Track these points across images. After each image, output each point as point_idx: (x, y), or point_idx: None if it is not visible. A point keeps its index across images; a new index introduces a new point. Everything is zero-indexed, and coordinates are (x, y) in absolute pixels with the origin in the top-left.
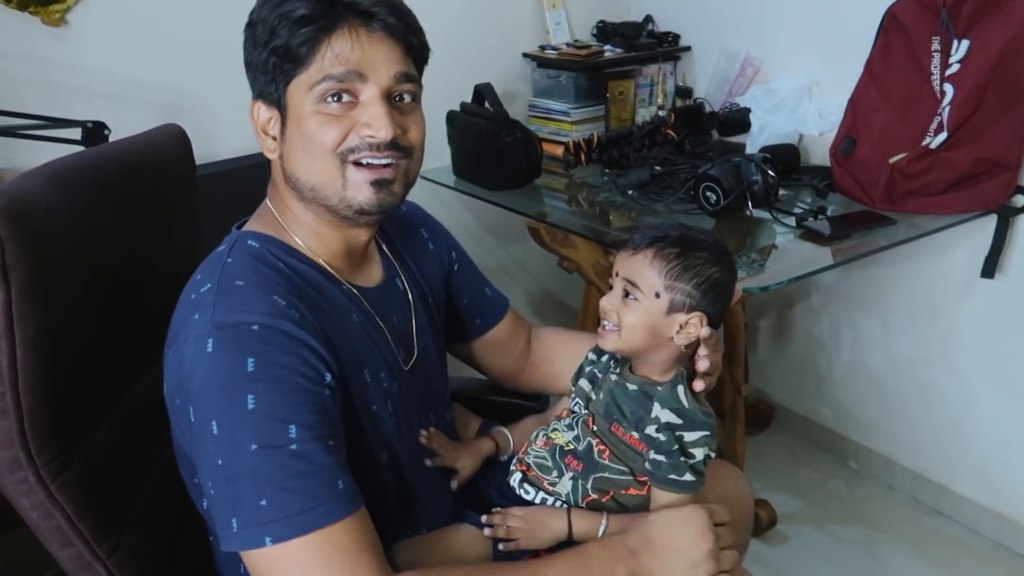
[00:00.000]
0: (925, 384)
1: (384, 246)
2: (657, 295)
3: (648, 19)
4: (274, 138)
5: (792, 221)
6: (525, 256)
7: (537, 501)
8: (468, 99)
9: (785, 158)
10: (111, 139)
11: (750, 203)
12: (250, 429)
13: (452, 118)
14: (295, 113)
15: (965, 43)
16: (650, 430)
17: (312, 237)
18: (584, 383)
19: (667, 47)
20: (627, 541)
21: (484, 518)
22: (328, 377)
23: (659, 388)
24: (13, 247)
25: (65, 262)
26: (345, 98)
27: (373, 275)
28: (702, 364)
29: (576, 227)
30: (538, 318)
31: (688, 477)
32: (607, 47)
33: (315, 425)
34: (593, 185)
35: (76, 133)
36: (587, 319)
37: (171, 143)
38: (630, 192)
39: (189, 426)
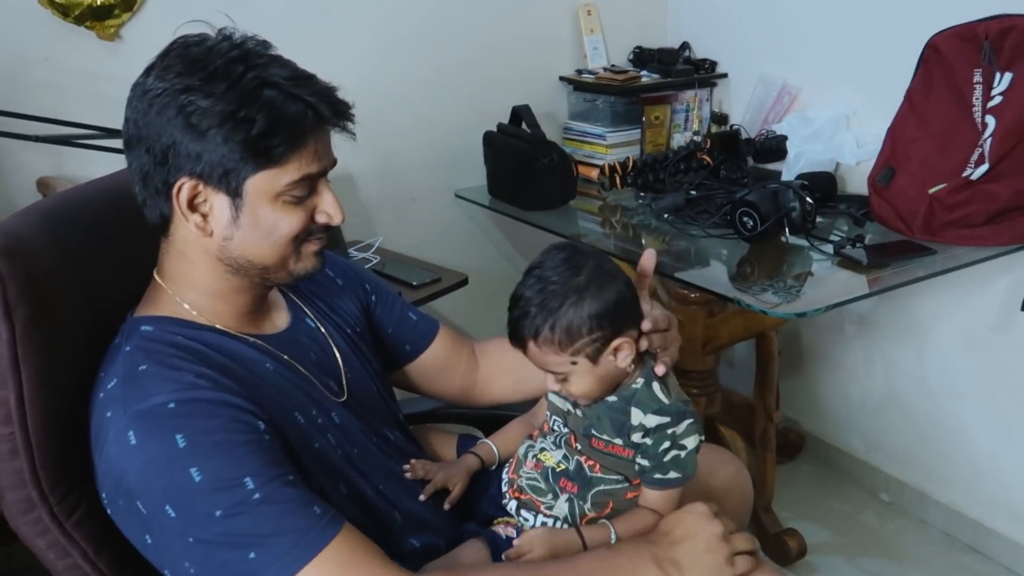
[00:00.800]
0: (961, 418)
1: (289, 291)
2: (574, 363)
3: (685, 45)
4: (203, 215)
5: (829, 248)
6: None
7: (537, 525)
8: (505, 120)
9: (822, 186)
10: None
11: (787, 230)
12: (207, 499)
13: (489, 139)
14: (255, 201)
15: (1008, 76)
16: (636, 436)
17: (209, 303)
18: (555, 398)
19: (704, 74)
20: (649, 537)
21: (501, 529)
22: (261, 425)
23: (635, 389)
24: (14, 285)
25: (62, 300)
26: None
27: (278, 321)
28: (659, 353)
29: (610, 249)
30: None
31: (672, 475)
32: (644, 72)
33: (267, 469)
34: (627, 208)
35: None
36: None
37: None
38: (665, 216)
39: (142, 520)
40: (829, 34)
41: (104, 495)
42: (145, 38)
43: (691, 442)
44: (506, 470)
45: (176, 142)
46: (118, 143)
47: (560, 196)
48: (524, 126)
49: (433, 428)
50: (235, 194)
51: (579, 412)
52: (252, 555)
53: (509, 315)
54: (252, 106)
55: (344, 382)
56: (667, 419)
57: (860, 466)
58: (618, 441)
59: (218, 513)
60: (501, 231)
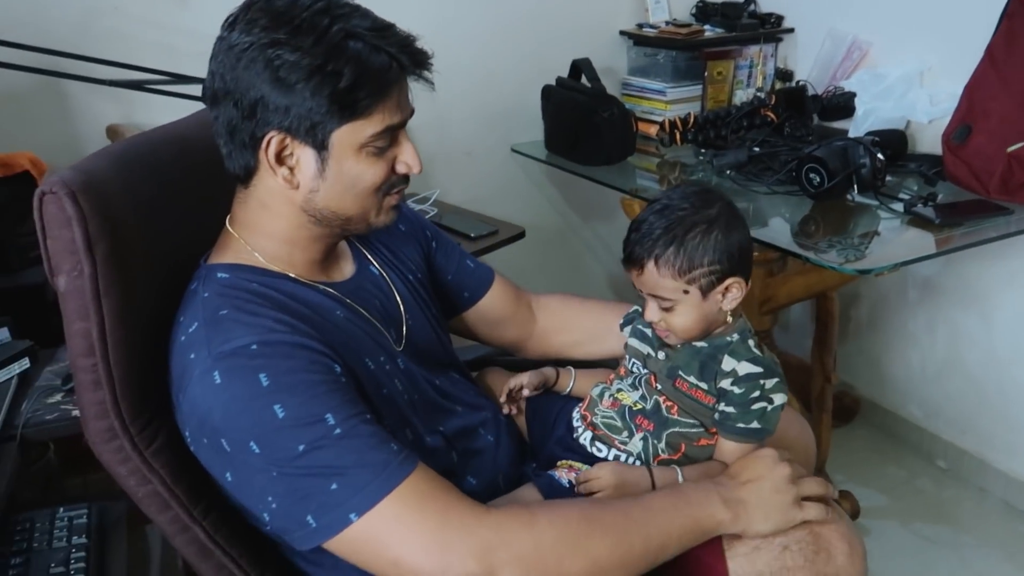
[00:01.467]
0: None
1: (354, 239)
2: (685, 292)
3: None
4: (291, 168)
5: (898, 207)
6: (610, 234)
7: (610, 458)
8: (564, 74)
9: (892, 144)
10: None
11: (855, 187)
12: (290, 435)
13: (548, 92)
14: (339, 153)
15: None
16: (724, 383)
17: (283, 251)
18: (635, 342)
19: (769, 28)
20: (716, 479)
21: (562, 472)
22: (337, 368)
23: (728, 341)
24: (95, 221)
25: (136, 239)
26: (389, 139)
27: (345, 270)
28: None
29: None
30: (619, 296)
31: (755, 425)
32: (707, 27)
33: (345, 406)
34: (687, 165)
35: (196, 90)
36: None
37: (213, 125)
38: (727, 172)
39: (226, 457)
40: None
41: (188, 434)
42: None
43: (778, 398)
44: (578, 408)
45: (264, 96)
46: (186, 89)
47: (618, 151)
48: (584, 80)
49: (502, 372)
50: (321, 147)
51: (661, 355)
52: (334, 486)
53: (628, 237)
54: (339, 59)
55: (404, 329)
56: (760, 370)
57: (917, 432)
58: (703, 386)
59: (301, 448)
60: (557, 187)
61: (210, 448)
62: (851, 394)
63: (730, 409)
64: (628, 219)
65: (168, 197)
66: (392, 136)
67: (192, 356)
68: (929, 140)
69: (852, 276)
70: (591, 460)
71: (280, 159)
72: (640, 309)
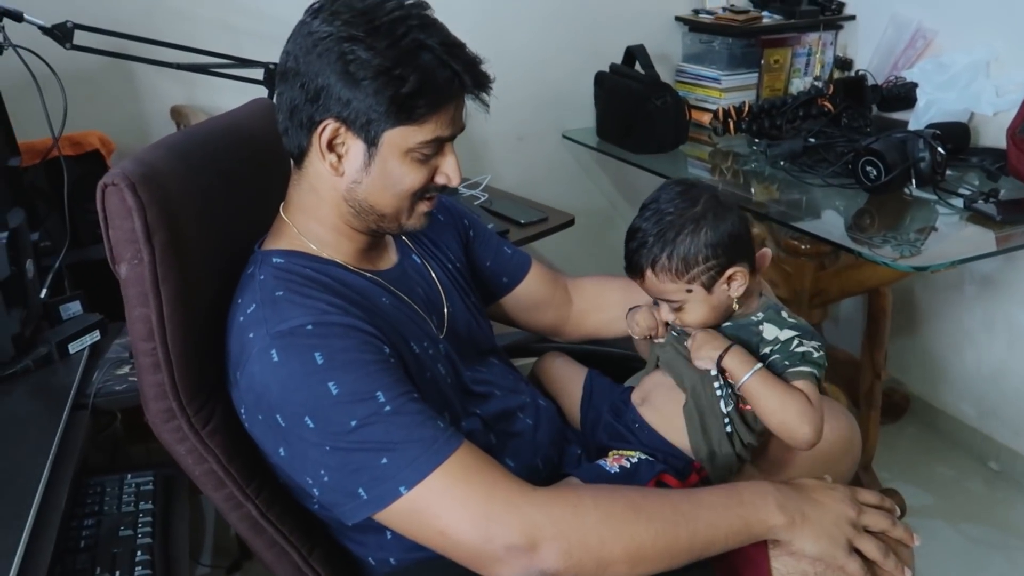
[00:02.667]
0: None
1: None
2: (689, 291)
3: None
4: (339, 156)
5: (958, 202)
6: None
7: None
8: (617, 61)
9: (954, 137)
10: None
11: (913, 181)
12: (344, 410)
13: (601, 79)
14: (387, 152)
15: None
16: (765, 349)
17: (332, 239)
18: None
19: (830, 15)
20: (776, 484)
21: (612, 461)
22: (387, 350)
23: (755, 320)
24: (153, 211)
25: (191, 227)
26: (435, 149)
27: (389, 258)
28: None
29: None
30: None
31: (804, 368)
32: (765, 13)
33: (396, 385)
34: (740, 155)
35: (258, 74)
36: None
37: (265, 114)
38: (781, 163)
39: (281, 433)
40: None
41: (243, 410)
42: None
43: (818, 349)
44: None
45: (330, 85)
46: (249, 73)
47: (671, 140)
48: (638, 67)
49: (564, 360)
50: (372, 143)
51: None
52: (384, 460)
53: (626, 248)
54: (407, 66)
55: (445, 316)
56: (799, 332)
57: (969, 432)
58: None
59: (353, 423)
60: (607, 174)
61: (265, 424)
62: (901, 391)
63: (774, 358)
64: None
65: (224, 186)
66: (439, 146)
67: (251, 335)
68: (993, 133)
69: (906, 272)
70: (639, 447)
71: (331, 146)
72: None
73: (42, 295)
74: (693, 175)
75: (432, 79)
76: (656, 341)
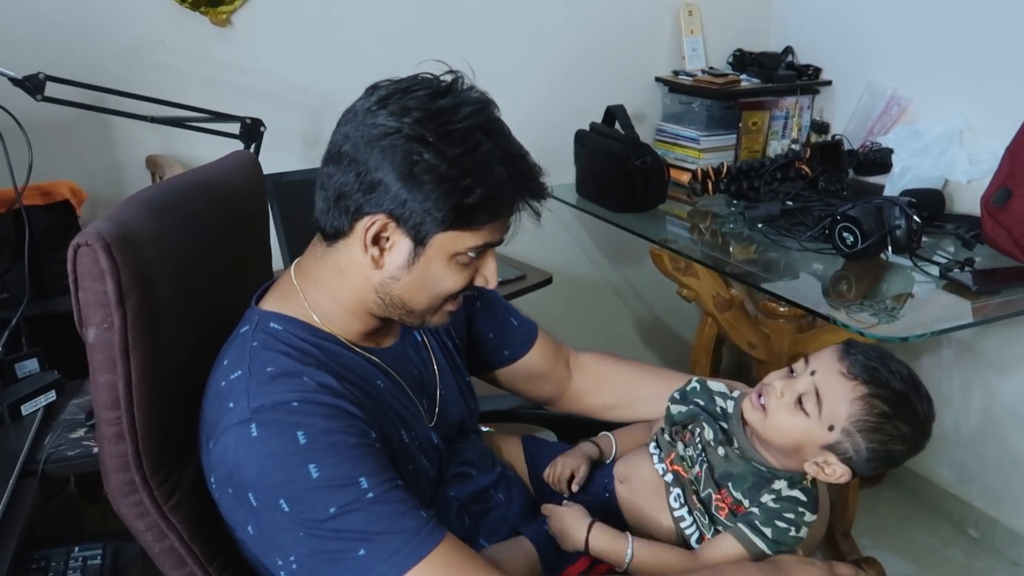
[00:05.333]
0: None
1: None
2: (831, 428)
3: (788, 50)
4: (382, 251)
5: (934, 270)
6: (640, 281)
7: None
8: (598, 119)
9: (929, 204)
10: (264, 137)
11: (890, 248)
12: (323, 496)
13: (581, 137)
14: (434, 254)
15: None
16: (766, 497)
17: (340, 316)
18: (708, 420)
19: (807, 80)
20: (756, 564)
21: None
22: (372, 434)
23: (792, 478)
24: (128, 273)
25: (166, 289)
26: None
27: (390, 336)
28: None
29: (696, 256)
30: (647, 346)
31: (767, 534)
32: (743, 76)
33: (379, 471)
34: (718, 215)
35: (235, 128)
36: (700, 351)
37: (244, 169)
38: (759, 225)
39: (251, 511)
40: (945, 43)
41: (212, 480)
42: (254, 25)
43: (803, 532)
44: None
45: (389, 182)
46: (226, 127)
47: (651, 200)
48: (617, 126)
49: (497, 433)
50: (420, 243)
51: (721, 451)
52: (362, 552)
53: (872, 357)
54: (477, 178)
55: (437, 400)
56: (805, 499)
57: (949, 498)
58: (746, 502)
59: (332, 510)
60: (587, 232)
61: (234, 499)
62: None
63: (755, 510)
64: (656, 269)
65: (200, 246)
66: (484, 250)
67: (231, 405)
68: (968, 201)
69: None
70: (591, 507)
71: (376, 239)
72: (698, 386)
73: None
74: (673, 234)
75: (497, 193)
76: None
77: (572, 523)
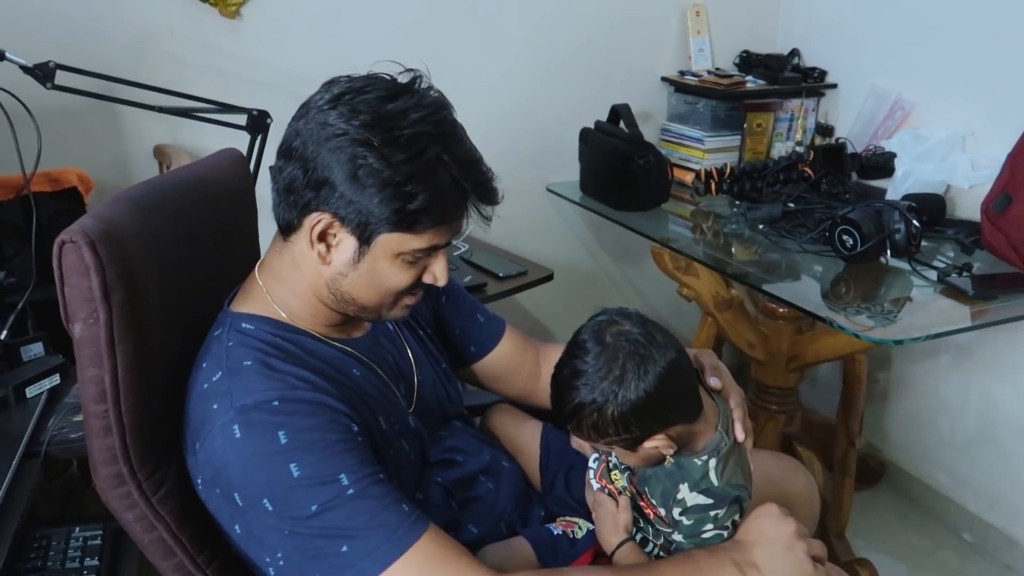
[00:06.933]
0: None
1: None
2: (608, 447)
3: (794, 52)
4: (328, 247)
5: (932, 275)
6: (640, 279)
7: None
8: (603, 118)
9: (930, 208)
10: (271, 129)
11: (889, 252)
12: (304, 494)
13: (585, 135)
14: (379, 253)
15: None
16: (675, 511)
17: (305, 310)
18: None
19: (812, 83)
20: (723, 544)
21: (560, 525)
22: (355, 427)
23: (694, 462)
24: (112, 269)
25: (151, 285)
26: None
27: (360, 327)
28: (737, 425)
29: (699, 256)
30: None
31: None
32: (749, 78)
33: (361, 466)
34: (720, 215)
35: (241, 119)
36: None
37: (232, 167)
38: (760, 226)
39: (238, 511)
40: (951, 48)
41: (199, 481)
42: (263, 17)
43: (730, 522)
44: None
45: (335, 181)
46: (232, 118)
47: (653, 198)
48: (622, 125)
49: (519, 414)
50: (365, 242)
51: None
52: (344, 548)
53: (551, 391)
54: (420, 183)
55: (415, 385)
56: (710, 501)
57: (944, 502)
58: (661, 511)
59: (314, 507)
60: (590, 229)
61: (222, 499)
62: (876, 457)
63: (679, 539)
64: (658, 267)
65: (185, 244)
66: (432, 250)
67: (215, 406)
68: (968, 206)
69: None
70: (587, 514)
71: (322, 236)
72: None
73: (2, 336)
74: (675, 233)
75: (441, 199)
76: None
77: (608, 530)
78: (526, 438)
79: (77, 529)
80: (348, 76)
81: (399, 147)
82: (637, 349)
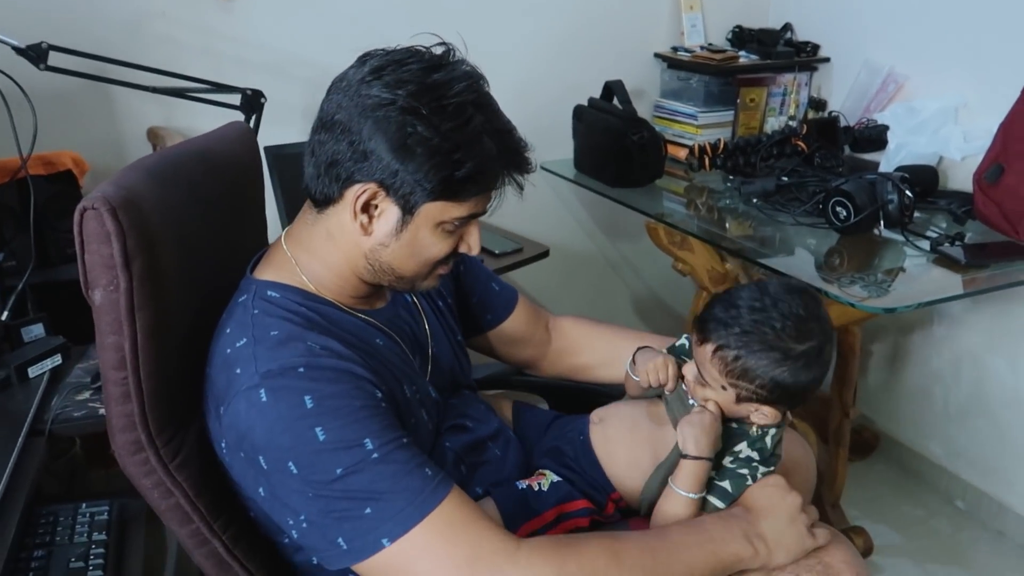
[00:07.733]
0: None
1: None
2: (723, 387)
3: (787, 27)
4: (371, 218)
5: (925, 245)
6: (636, 256)
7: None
8: (596, 94)
9: (923, 180)
10: (264, 109)
11: (882, 223)
12: (330, 457)
13: (579, 112)
14: (421, 222)
15: None
16: (727, 460)
17: (333, 281)
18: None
19: (805, 57)
20: (733, 512)
21: (531, 481)
22: (379, 394)
23: (752, 431)
24: (133, 237)
25: (169, 253)
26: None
27: (381, 299)
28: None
29: (693, 231)
30: (642, 319)
31: (725, 485)
32: (742, 53)
33: (385, 431)
34: (714, 191)
35: (235, 99)
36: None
37: (241, 139)
38: (754, 200)
39: (263, 474)
40: (943, 21)
41: (223, 444)
42: None
43: (757, 476)
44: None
45: (380, 152)
46: (226, 98)
47: (647, 175)
48: (616, 101)
49: (491, 397)
50: (408, 211)
51: (692, 402)
52: (368, 510)
53: (711, 308)
54: (467, 152)
55: (429, 358)
56: (758, 457)
57: (937, 471)
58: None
59: (339, 471)
60: (584, 205)
61: (246, 462)
62: (870, 428)
63: (714, 476)
64: (653, 243)
65: (200, 213)
66: (470, 219)
67: (239, 371)
68: (961, 177)
69: (874, 313)
70: (561, 467)
71: (365, 207)
72: (687, 343)
73: (3, 317)
74: (669, 209)
75: (485, 167)
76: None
77: (703, 433)
78: (502, 414)
79: (84, 505)
80: (383, 50)
81: (447, 116)
82: (826, 340)
